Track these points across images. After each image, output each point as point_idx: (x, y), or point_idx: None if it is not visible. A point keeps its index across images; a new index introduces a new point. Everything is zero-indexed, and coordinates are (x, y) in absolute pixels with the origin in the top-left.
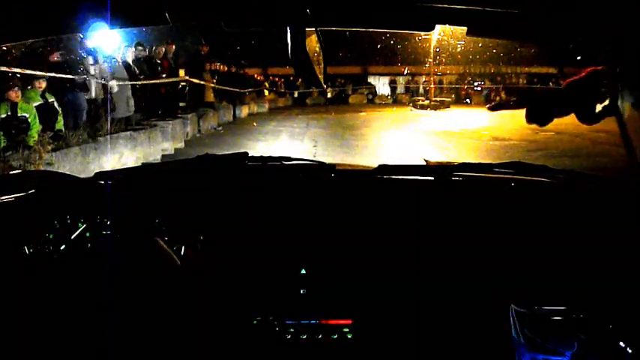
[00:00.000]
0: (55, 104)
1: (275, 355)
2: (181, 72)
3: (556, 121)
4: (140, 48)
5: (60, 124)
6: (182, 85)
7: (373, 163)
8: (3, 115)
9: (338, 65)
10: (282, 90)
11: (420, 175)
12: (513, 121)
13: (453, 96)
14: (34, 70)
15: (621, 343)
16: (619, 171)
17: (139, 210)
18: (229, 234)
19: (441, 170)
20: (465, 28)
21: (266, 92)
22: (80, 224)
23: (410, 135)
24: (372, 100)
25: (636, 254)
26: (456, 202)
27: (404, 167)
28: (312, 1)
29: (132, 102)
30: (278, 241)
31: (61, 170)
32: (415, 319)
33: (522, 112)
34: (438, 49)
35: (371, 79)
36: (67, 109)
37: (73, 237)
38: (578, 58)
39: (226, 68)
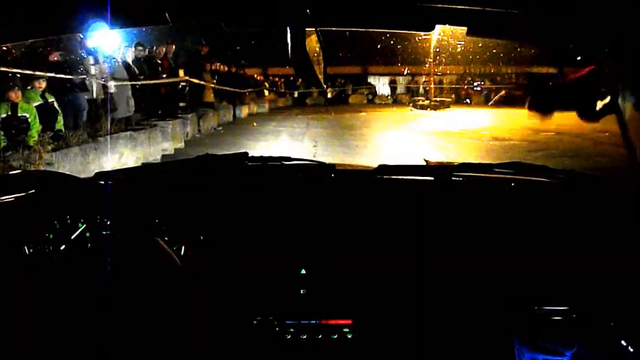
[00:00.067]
0: (55, 104)
1: (275, 355)
2: (181, 72)
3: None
4: (140, 48)
5: (60, 124)
6: (182, 85)
7: (373, 163)
8: (3, 115)
9: (338, 65)
10: (282, 90)
11: (420, 175)
12: (513, 121)
13: (453, 96)
14: (33, 70)
15: (623, 342)
16: (619, 171)
17: (139, 210)
18: (229, 234)
19: (441, 170)
20: (465, 28)
21: (266, 92)
22: (80, 224)
23: (410, 135)
24: (372, 100)
25: (636, 254)
26: (456, 202)
27: (404, 167)
28: (312, 1)
29: (132, 102)
30: (278, 242)
31: (61, 170)
32: (415, 319)
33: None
34: (438, 49)
35: (371, 79)
36: (67, 109)
37: (73, 237)
38: (578, 58)
39: (226, 68)
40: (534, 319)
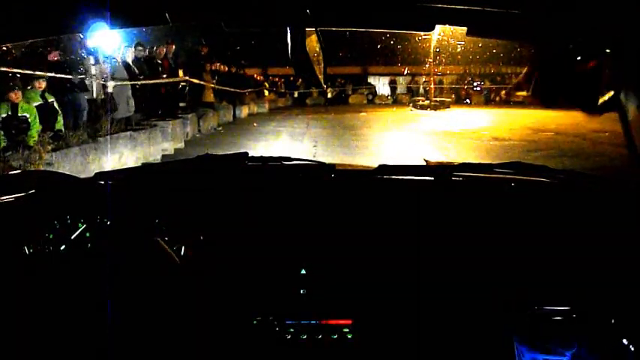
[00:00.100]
0: (55, 104)
1: (275, 355)
2: (180, 72)
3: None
4: (140, 48)
5: (60, 124)
6: (182, 85)
7: (373, 163)
8: (3, 115)
9: (338, 65)
10: (282, 90)
11: (420, 175)
12: (513, 121)
13: (453, 96)
14: (33, 70)
15: (624, 341)
16: (619, 171)
17: (139, 210)
18: (229, 234)
19: (441, 170)
20: (465, 28)
21: (266, 92)
22: (80, 224)
23: (410, 135)
24: (372, 100)
25: (636, 254)
26: (456, 202)
27: (404, 167)
28: (312, 1)
29: (132, 102)
30: (278, 242)
31: (61, 170)
32: (415, 319)
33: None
34: (438, 49)
35: (371, 80)
36: (67, 109)
37: (73, 237)
38: (579, 58)
39: (226, 68)
40: (534, 319)
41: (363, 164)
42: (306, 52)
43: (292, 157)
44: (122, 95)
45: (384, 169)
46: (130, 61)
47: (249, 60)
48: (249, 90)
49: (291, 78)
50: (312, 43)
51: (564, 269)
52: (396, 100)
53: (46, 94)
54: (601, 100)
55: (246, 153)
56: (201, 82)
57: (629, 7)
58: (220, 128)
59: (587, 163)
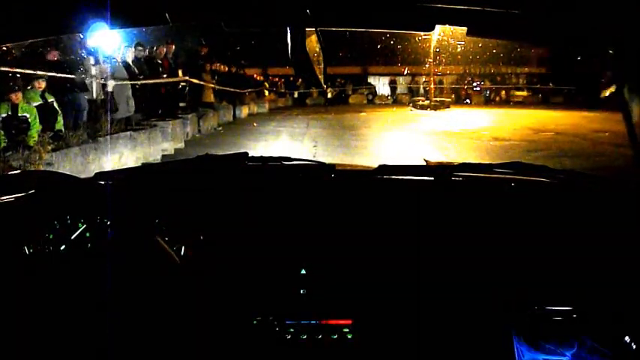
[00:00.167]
0: (55, 104)
1: (275, 355)
2: (180, 72)
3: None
4: (140, 48)
5: (60, 124)
6: (182, 85)
7: (373, 163)
8: (3, 115)
9: (338, 65)
10: (282, 90)
11: (420, 176)
12: (513, 121)
13: (453, 96)
14: (33, 70)
15: (626, 338)
16: (619, 171)
17: (139, 210)
18: (229, 234)
19: (441, 170)
20: (465, 28)
21: (266, 92)
22: (80, 224)
23: (410, 135)
24: (372, 100)
25: (637, 254)
26: (456, 202)
27: (404, 167)
28: (312, 1)
29: (132, 102)
30: (278, 242)
31: (61, 170)
32: (415, 319)
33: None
34: (438, 49)
35: (371, 80)
36: (67, 109)
37: (73, 237)
38: (578, 58)
39: (226, 68)
40: (534, 319)
41: (363, 164)
42: (306, 52)
43: (292, 157)
44: (122, 95)
45: (384, 169)
46: (130, 61)
47: (249, 60)
48: (249, 90)
49: (291, 78)
50: (312, 43)
51: (564, 269)
52: (396, 100)
53: (46, 94)
54: (603, 94)
55: (246, 153)
56: (201, 82)
57: (629, 7)
58: (220, 128)
59: (587, 163)
